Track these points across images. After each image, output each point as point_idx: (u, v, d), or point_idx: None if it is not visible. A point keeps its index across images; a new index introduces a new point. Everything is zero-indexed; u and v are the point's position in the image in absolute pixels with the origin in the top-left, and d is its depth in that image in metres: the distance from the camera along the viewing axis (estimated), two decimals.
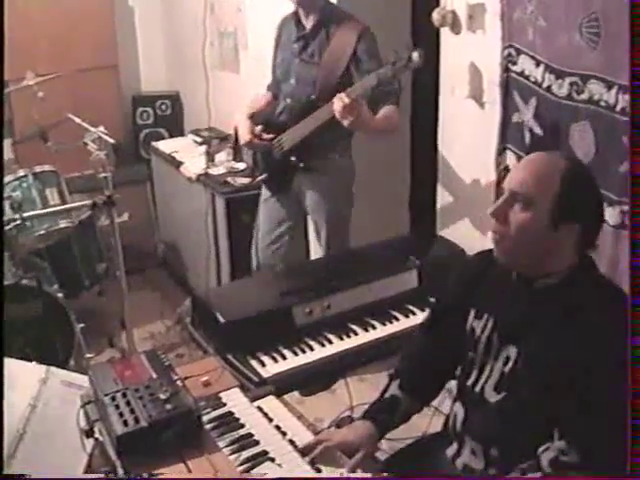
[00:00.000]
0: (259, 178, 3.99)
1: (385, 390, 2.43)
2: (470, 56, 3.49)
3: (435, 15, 3.57)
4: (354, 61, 3.51)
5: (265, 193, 4.10)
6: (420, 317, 3.19)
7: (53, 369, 2.95)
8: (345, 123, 3.30)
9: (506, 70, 3.26)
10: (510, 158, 3.28)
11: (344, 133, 3.69)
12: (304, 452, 2.20)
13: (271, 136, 3.81)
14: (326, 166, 3.77)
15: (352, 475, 2.16)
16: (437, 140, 3.82)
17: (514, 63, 3.21)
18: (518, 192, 2.00)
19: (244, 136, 3.89)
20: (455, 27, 3.54)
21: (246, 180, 4.34)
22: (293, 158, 3.75)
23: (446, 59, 3.68)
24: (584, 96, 2.84)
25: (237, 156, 4.24)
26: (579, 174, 2.03)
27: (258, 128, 3.85)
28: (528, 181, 1.99)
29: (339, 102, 3.25)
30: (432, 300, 3.24)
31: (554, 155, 2.07)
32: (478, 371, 2.21)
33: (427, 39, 4.00)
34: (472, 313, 2.26)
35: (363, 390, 3.76)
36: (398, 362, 2.52)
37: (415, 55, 3.04)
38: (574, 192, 1.98)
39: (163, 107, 6.41)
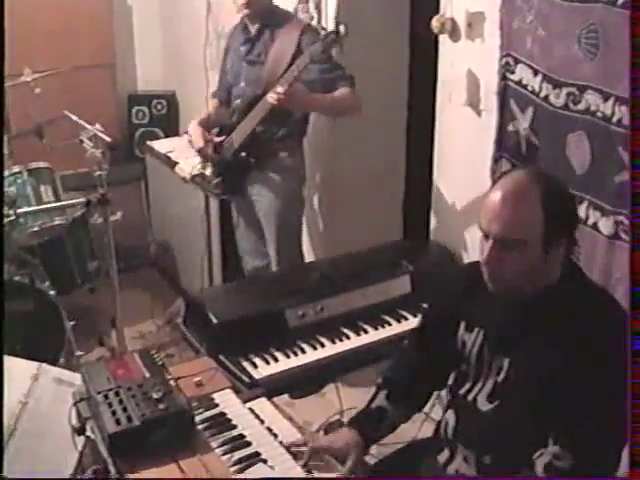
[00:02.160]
0: (214, 182, 4.04)
1: (372, 400, 2.43)
2: (468, 64, 3.49)
3: (434, 22, 3.57)
4: (299, 55, 3.59)
5: (234, 216, 4.26)
6: (412, 322, 3.21)
7: (45, 366, 2.95)
8: (284, 105, 3.51)
9: (504, 78, 3.27)
10: (506, 167, 3.29)
11: (292, 131, 3.87)
12: (291, 450, 2.22)
13: (222, 138, 3.94)
14: (275, 164, 3.89)
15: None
16: (433, 146, 3.83)
17: (512, 72, 3.22)
18: (505, 237, 1.96)
19: (196, 143, 4.04)
20: (454, 35, 3.55)
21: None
22: (243, 154, 3.86)
23: (444, 66, 3.69)
24: (581, 106, 2.85)
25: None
26: (555, 191, 2.00)
27: (214, 131, 4.00)
28: (513, 224, 1.96)
29: (273, 94, 3.49)
30: (424, 307, 3.26)
31: (526, 180, 1.99)
32: (471, 382, 2.21)
33: (425, 46, 4.03)
34: (462, 326, 2.26)
35: (353, 394, 3.76)
36: (386, 371, 2.51)
37: (341, 28, 3.28)
38: (557, 213, 1.96)
39: (159, 106, 6.39)
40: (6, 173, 4.38)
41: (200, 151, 4.06)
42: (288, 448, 2.23)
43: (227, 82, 4.10)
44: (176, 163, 4.78)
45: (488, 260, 2.01)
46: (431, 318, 2.52)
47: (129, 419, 2.15)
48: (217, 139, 3.97)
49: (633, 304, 1.79)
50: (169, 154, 5.03)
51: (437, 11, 3.61)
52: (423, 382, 2.45)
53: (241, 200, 4.10)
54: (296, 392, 3.69)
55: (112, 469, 2.13)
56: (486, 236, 2.01)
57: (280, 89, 3.46)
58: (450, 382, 2.34)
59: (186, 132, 5.53)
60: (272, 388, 2.76)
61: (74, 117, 4.22)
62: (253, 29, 3.87)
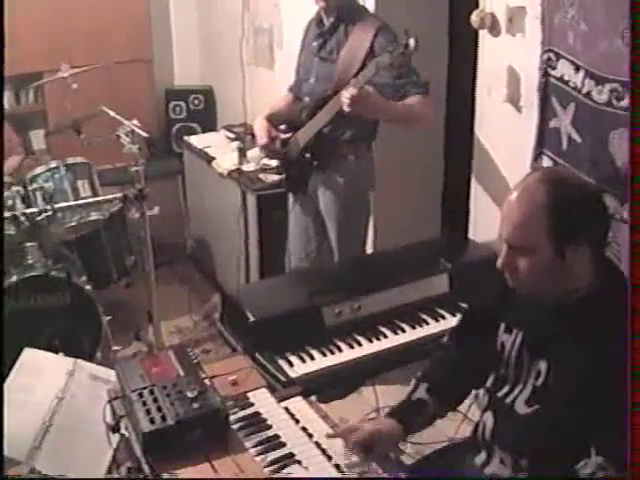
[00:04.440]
0: (277, 179, 3.99)
1: (412, 392, 2.41)
2: (508, 59, 3.45)
3: (474, 17, 3.54)
4: (371, 56, 3.45)
5: (290, 200, 4.11)
6: (450, 321, 3.17)
7: (81, 362, 2.96)
8: (354, 110, 3.30)
9: (545, 74, 3.22)
10: (547, 164, 3.24)
11: (361, 134, 3.72)
12: (326, 452, 2.21)
13: (288, 135, 3.83)
14: (341, 167, 3.76)
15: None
16: (472, 143, 3.79)
17: (553, 67, 3.17)
18: (513, 244, 1.99)
19: (260, 138, 3.91)
20: (494, 29, 3.51)
21: (278, 177, 4.33)
22: (307, 155, 3.75)
23: (483, 61, 3.65)
24: (624, 103, 2.79)
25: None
26: (564, 196, 1.96)
27: (281, 127, 3.87)
28: (516, 231, 1.97)
29: (345, 92, 3.28)
30: (463, 306, 3.23)
31: (532, 185, 1.98)
32: (511, 385, 2.18)
33: (465, 41, 3.99)
34: (502, 327, 2.25)
35: (389, 393, 3.74)
36: (427, 366, 2.50)
37: (411, 41, 3.07)
38: (566, 218, 1.94)
39: (196, 101, 6.40)
40: (44, 168, 4.40)
41: (264, 147, 3.95)
42: (322, 448, 2.21)
43: (300, 77, 3.96)
44: (213, 158, 4.78)
45: (502, 264, 2.04)
46: (471, 318, 2.52)
47: (163, 418, 2.14)
48: (283, 136, 3.86)
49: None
50: (206, 149, 5.04)
51: (477, 6, 3.57)
52: (462, 380, 2.44)
53: (303, 197, 3.98)
54: (325, 395, 3.65)
55: (146, 468, 2.12)
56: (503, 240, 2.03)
57: (350, 92, 3.27)
58: (489, 384, 2.31)
59: (224, 127, 5.56)
60: (308, 387, 2.73)
61: (112, 112, 4.23)
62: (327, 23, 3.70)
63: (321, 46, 3.74)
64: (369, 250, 4.36)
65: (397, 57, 3.14)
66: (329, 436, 2.27)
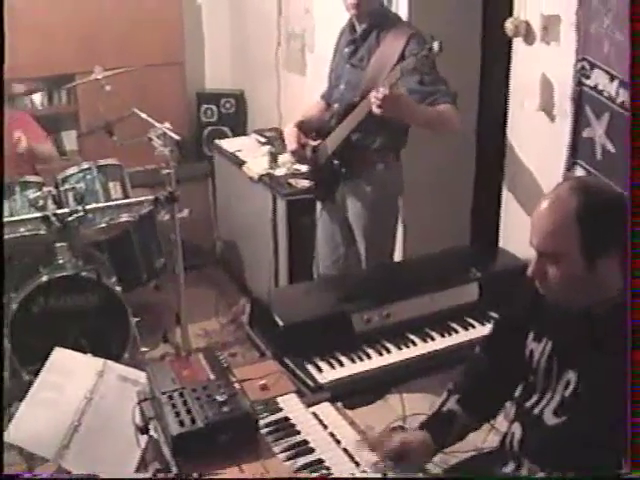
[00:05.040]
0: (307, 185, 3.99)
1: (443, 404, 2.40)
2: (542, 68, 3.44)
3: (508, 25, 3.52)
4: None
5: (319, 207, 4.11)
6: (480, 330, 3.17)
7: (110, 363, 2.96)
8: (384, 112, 3.27)
9: (579, 84, 3.21)
10: (580, 174, 3.22)
11: (390, 142, 3.71)
12: (354, 459, 2.20)
13: (317, 142, 3.83)
14: (370, 176, 3.74)
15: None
16: (504, 151, 3.77)
17: (587, 77, 3.16)
18: (542, 252, 1.99)
19: (290, 144, 3.92)
20: (528, 38, 3.50)
21: (308, 183, 4.33)
22: (336, 162, 3.74)
23: (517, 70, 3.64)
24: None
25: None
26: (594, 206, 1.96)
27: (304, 137, 3.88)
28: (546, 239, 1.97)
29: (375, 93, 3.25)
30: (493, 315, 3.23)
31: (564, 194, 1.98)
32: (539, 395, 2.17)
33: (498, 49, 3.97)
34: (531, 335, 2.23)
35: (416, 401, 3.73)
36: (458, 377, 2.48)
37: (435, 45, 3.08)
38: (596, 227, 1.93)
39: (227, 105, 6.42)
40: (76, 169, 4.43)
41: (293, 153, 3.96)
42: (350, 454, 2.21)
43: (331, 84, 3.95)
44: (244, 162, 4.79)
45: (533, 273, 2.04)
46: (501, 327, 2.51)
47: (193, 421, 2.14)
48: (312, 143, 3.86)
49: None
50: (237, 153, 5.06)
51: (510, 14, 3.55)
52: (494, 390, 2.42)
53: (331, 204, 3.97)
54: (352, 402, 3.64)
55: (174, 470, 2.12)
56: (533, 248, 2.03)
57: (381, 92, 3.24)
58: (517, 394, 2.30)
59: (255, 131, 5.57)
60: (336, 393, 2.74)
61: (143, 115, 4.26)
62: (359, 30, 3.70)
63: (352, 53, 3.74)
64: (398, 257, 4.36)
65: (421, 60, 3.14)
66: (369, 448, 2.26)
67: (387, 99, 3.22)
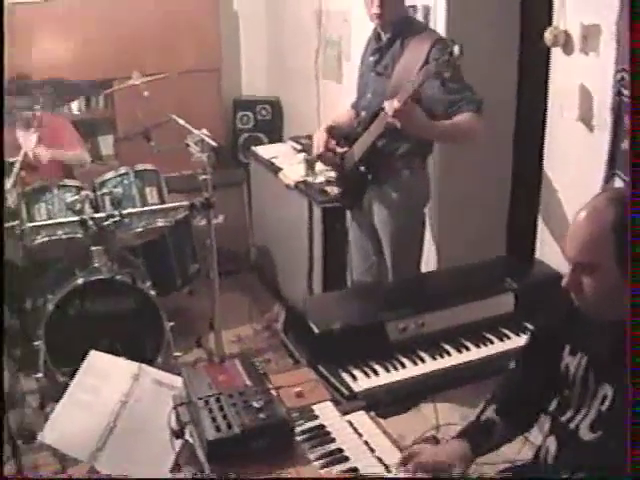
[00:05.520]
0: (334, 192, 4.00)
1: (481, 413, 2.39)
2: (581, 78, 3.41)
3: (547, 34, 3.50)
4: None
5: (349, 217, 4.14)
6: (515, 342, 3.15)
7: (145, 367, 2.97)
8: (399, 126, 3.32)
9: (618, 94, 3.17)
10: (618, 185, 3.19)
11: (416, 148, 3.72)
12: (389, 467, 2.20)
13: (344, 149, 3.85)
14: (396, 182, 3.76)
15: None
16: (541, 161, 3.75)
17: (627, 87, 3.12)
18: (579, 262, 1.98)
19: (317, 148, 3.94)
20: (567, 48, 3.47)
21: (336, 189, 4.34)
22: (362, 168, 3.76)
23: (555, 80, 3.61)
24: None
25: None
26: None
27: (333, 142, 3.89)
28: (583, 250, 1.96)
29: (389, 106, 3.30)
30: (528, 326, 3.21)
31: (601, 205, 1.97)
32: (575, 409, 2.15)
33: (536, 58, 3.95)
34: (567, 349, 2.22)
35: (449, 411, 3.72)
36: (496, 387, 2.47)
37: (455, 49, 3.10)
38: None
39: (263, 112, 6.45)
40: (113, 174, 4.46)
41: (320, 157, 4.00)
42: (384, 463, 2.20)
43: (359, 93, 3.98)
44: (280, 169, 4.80)
45: (567, 284, 2.02)
46: (536, 339, 2.48)
47: (229, 427, 2.13)
48: (340, 149, 3.89)
49: None
50: (273, 160, 5.07)
51: (549, 23, 3.54)
52: (529, 402, 2.40)
53: (358, 211, 4.00)
54: (384, 410, 3.64)
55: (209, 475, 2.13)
56: (568, 260, 2.02)
57: (394, 105, 3.30)
58: (552, 407, 2.28)
59: (291, 138, 5.59)
60: (371, 401, 2.73)
61: (181, 121, 4.28)
62: (384, 38, 3.73)
63: (377, 61, 3.78)
64: (433, 266, 4.35)
65: (442, 65, 3.16)
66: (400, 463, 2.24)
67: (399, 111, 3.27)
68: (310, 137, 5.38)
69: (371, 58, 3.82)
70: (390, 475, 2.17)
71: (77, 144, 5.21)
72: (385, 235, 3.86)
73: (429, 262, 4.38)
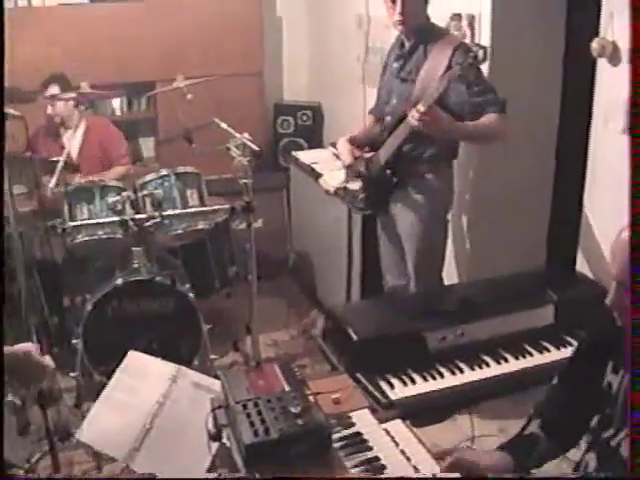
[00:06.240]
0: (359, 197, 4.01)
1: (525, 427, 2.37)
2: (627, 89, 3.37)
3: (595, 45, 3.47)
4: None
5: (379, 225, 4.19)
6: (555, 355, 3.13)
7: (184, 369, 2.98)
8: (425, 130, 3.43)
9: None
10: None
11: (441, 152, 3.79)
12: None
13: (370, 154, 3.91)
14: (421, 185, 3.82)
15: None
16: (584, 173, 3.71)
17: None
18: (623, 280, 1.95)
19: (345, 159, 4.03)
20: (614, 58, 3.44)
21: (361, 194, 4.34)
22: (388, 172, 3.81)
23: (601, 91, 3.58)
24: None
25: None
26: None
27: (363, 149, 3.97)
28: (627, 268, 1.92)
29: (413, 111, 3.40)
30: (568, 339, 3.19)
31: None
32: (617, 427, 2.12)
33: (581, 68, 3.92)
34: (609, 366, 2.19)
35: (484, 423, 3.68)
36: (539, 402, 2.45)
37: (480, 52, 3.23)
38: None
39: (304, 117, 6.46)
40: (154, 175, 4.48)
41: (349, 167, 4.06)
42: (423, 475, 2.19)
43: (382, 99, 4.07)
44: (320, 175, 4.80)
45: (612, 303, 2.00)
46: (579, 355, 2.45)
47: (267, 431, 2.13)
48: (366, 155, 3.94)
49: None
50: (313, 165, 5.06)
51: (596, 33, 3.51)
52: (573, 419, 2.36)
53: (384, 217, 4.06)
54: (420, 419, 3.63)
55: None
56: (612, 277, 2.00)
57: (420, 109, 3.39)
58: (593, 424, 2.25)
59: (332, 144, 5.58)
60: (408, 410, 2.72)
61: (223, 124, 4.29)
62: (407, 45, 3.81)
63: (401, 67, 3.85)
64: (466, 277, 4.34)
65: (466, 68, 3.29)
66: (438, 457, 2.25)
67: (424, 116, 3.37)
68: None
69: (395, 64, 3.90)
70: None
71: (121, 145, 5.27)
72: (408, 240, 3.91)
73: (470, 271, 4.37)
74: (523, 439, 2.34)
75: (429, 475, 2.20)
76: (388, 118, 3.90)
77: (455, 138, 3.77)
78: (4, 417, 2.40)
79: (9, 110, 3.03)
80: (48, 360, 2.50)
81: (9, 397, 3.01)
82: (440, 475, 2.18)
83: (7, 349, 2.38)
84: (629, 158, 1.84)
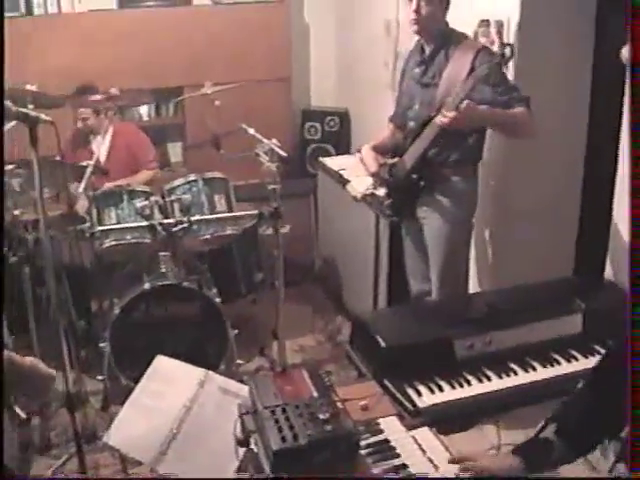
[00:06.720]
0: (385, 203, 4.01)
1: (540, 431, 2.36)
2: None
3: (624, 52, 3.44)
4: None
5: (403, 231, 4.21)
6: (583, 363, 3.11)
7: (211, 374, 2.98)
8: (457, 126, 3.48)
9: None
10: None
11: (466, 156, 3.82)
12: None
13: (395, 160, 3.93)
14: (447, 189, 3.84)
15: None
16: (614, 180, 3.69)
17: None
18: None
19: (370, 167, 4.07)
20: None
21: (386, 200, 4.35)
22: (414, 176, 3.83)
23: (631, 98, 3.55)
24: None
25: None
26: None
27: (386, 156, 4.02)
28: None
29: (441, 117, 3.47)
30: (596, 348, 3.17)
31: None
32: None
33: (610, 74, 3.91)
34: None
35: (511, 431, 3.66)
36: (558, 407, 2.43)
37: (507, 50, 3.28)
38: None
39: (331, 123, 6.46)
40: (182, 180, 4.50)
41: (374, 174, 4.08)
42: None
43: (403, 105, 4.09)
44: (348, 181, 4.80)
45: None
46: (606, 363, 2.43)
47: (295, 437, 2.12)
48: (390, 161, 3.97)
49: None
50: (341, 171, 5.06)
51: (625, 39, 3.47)
52: (594, 426, 2.35)
53: (410, 222, 4.08)
54: (446, 427, 3.62)
55: None
56: None
57: (447, 112, 3.43)
58: (624, 434, 2.23)
59: (358, 151, 5.58)
60: (435, 418, 2.71)
61: (251, 130, 4.30)
62: (428, 50, 3.85)
63: (423, 72, 3.88)
64: (495, 284, 4.32)
65: (494, 67, 3.36)
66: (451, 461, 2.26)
67: (455, 118, 3.42)
68: None
69: (416, 70, 3.93)
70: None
71: (149, 150, 5.29)
72: (435, 243, 3.93)
73: (496, 278, 4.35)
74: (536, 444, 2.33)
75: None
76: (411, 124, 3.93)
77: (486, 123, 3.76)
78: (7, 426, 2.42)
79: (40, 115, 3.04)
80: (52, 372, 2.52)
81: (16, 409, 3.04)
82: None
83: (14, 358, 2.40)
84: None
